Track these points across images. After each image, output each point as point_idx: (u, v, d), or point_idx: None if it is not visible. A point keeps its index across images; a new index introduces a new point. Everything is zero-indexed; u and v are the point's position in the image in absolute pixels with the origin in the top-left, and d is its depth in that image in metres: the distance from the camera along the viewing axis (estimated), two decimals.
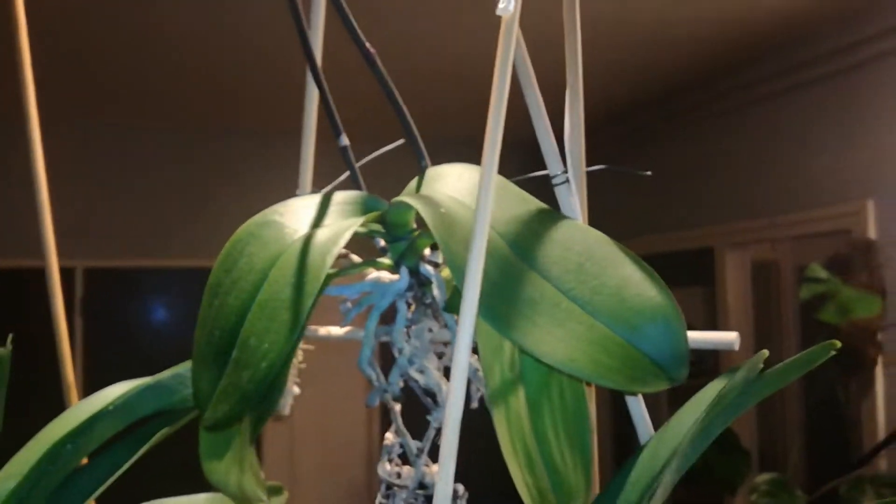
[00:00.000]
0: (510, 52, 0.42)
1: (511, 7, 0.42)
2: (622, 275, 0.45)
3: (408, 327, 0.56)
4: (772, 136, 2.48)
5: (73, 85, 2.72)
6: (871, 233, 2.05)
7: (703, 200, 2.72)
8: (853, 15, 2.08)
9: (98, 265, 3.24)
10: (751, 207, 2.54)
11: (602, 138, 3.13)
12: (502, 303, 0.42)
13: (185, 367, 0.59)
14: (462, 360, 0.40)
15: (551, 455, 0.45)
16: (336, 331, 0.65)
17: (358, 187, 0.55)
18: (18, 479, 0.52)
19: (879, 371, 2.01)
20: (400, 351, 0.52)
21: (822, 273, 1.79)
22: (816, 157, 2.29)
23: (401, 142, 0.59)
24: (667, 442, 0.40)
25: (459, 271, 0.42)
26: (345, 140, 0.54)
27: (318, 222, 0.49)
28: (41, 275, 0.73)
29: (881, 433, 1.96)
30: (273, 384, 0.51)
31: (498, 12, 0.43)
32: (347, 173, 0.60)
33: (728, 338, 0.45)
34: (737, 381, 0.39)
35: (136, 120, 3.15)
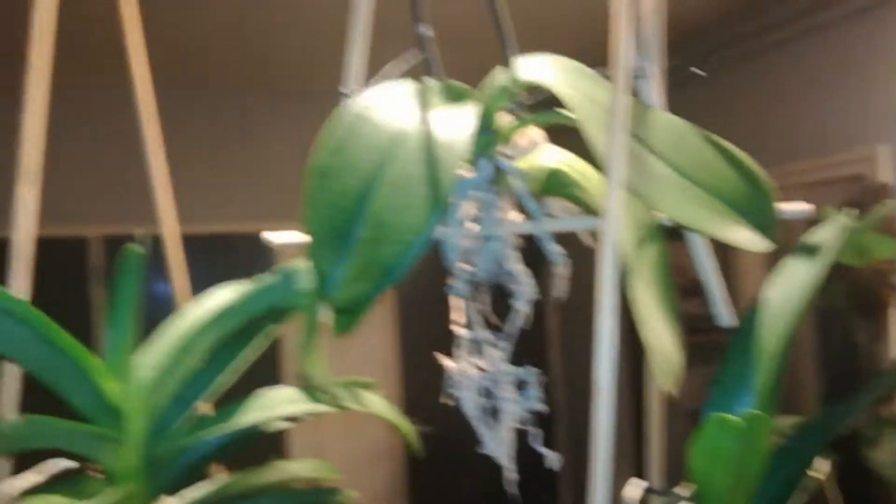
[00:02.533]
0: None
1: None
2: (713, 154, 0.50)
3: (477, 220, 0.58)
4: (781, 82, 2.49)
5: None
6: (884, 177, 2.06)
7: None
8: None
9: (116, 233, 2.92)
10: (761, 154, 2.47)
11: None
12: (635, 177, 0.46)
13: (289, 270, 0.58)
14: (612, 227, 0.43)
15: (655, 316, 0.50)
16: None
17: (438, 75, 0.56)
18: (155, 368, 0.50)
19: (894, 313, 2.04)
20: (491, 238, 0.54)
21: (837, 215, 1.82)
22: (826, 103, 2.30)
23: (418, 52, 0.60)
24: (785, 289, 0.46)
25: (601, 150, 0.45)
26: (425, 29, 0.54)
27: (425, 105, 0.49)
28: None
29: None
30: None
31: None
32: (388, 67, 0.60)
33: (803, 208, 0.52)
34: (838, 235, 0.46)
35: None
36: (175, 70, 2.82)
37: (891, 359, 2.04)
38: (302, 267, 0.60)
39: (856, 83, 2.23)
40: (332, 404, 0.57)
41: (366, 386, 0.65)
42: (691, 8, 2.49)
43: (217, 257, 3.25)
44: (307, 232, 0.47)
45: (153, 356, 0.53)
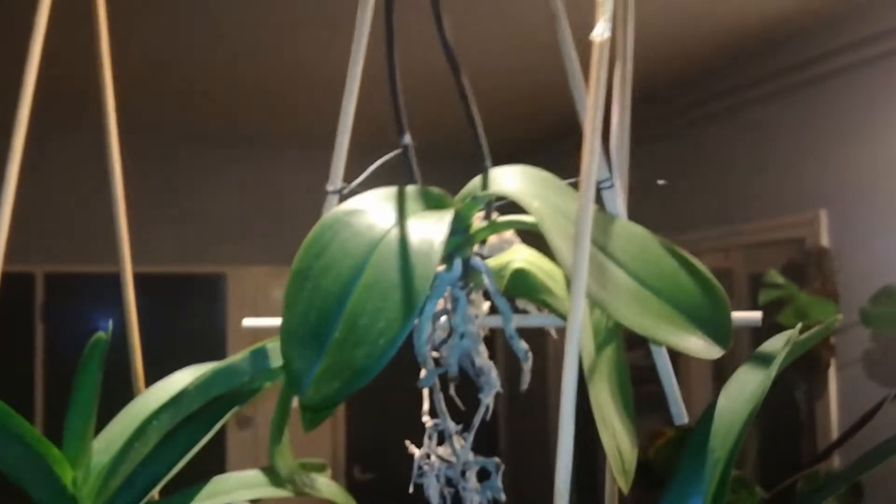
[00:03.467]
0: (603, 73, 0.49)
1: (607, 33, 0.50)
2: (673, 265, 0.54)
3: (448, 314, 0.60)
4: (726, 148, 2.60)
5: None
6: (825, 241, 2.15)
7: (658, 210, 2.77)
8: (806, 33, 2.22)
9: (58, 270, 3.05)
10: (705, 217, 2.57)
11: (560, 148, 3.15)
12: (598, 286, 0.49)
13: (254, 351, 0.59)
14: (574, 333, 0.46)
15: (618, 418, 0.53)
16: None
17: (415, 181, 0.59)
18: (110, 454, 0.51)
19: (833, 373, 2.11)
20: (462, 335, 0.57)
21: (780, 279, 1.86)
22: (770, 168, 2.40)
23: (397, 152, 0.64)
24: (735, 399, 0.49)
25: (566, 260, 0.48)
26: (407, 139, 0.57)
27: (402, 212, 0.52)
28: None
29: (835, 432, 2.09)
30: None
31: (592, 37, 0.50)
32: (370, 170, 0.63)
33: (754, 316, 0.55)
34: (783, 348, 0.49)
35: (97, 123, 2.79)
36: (131, 114, 2.87)
37: (830, 414, 2.11)
38: (265, 349, 0.61)
39: (801, 149, 2.34)
40: (294, 492, 0.58)
41: (319, 469, 0.66)
42: (651, 73, 2.60)
43: (170, 296, 3.26)
44: (283, 329, 0.49)
45: (107, 441, 0.54)
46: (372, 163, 0.58)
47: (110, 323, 0.55)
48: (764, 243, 2.45)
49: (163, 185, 3.22)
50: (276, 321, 0.59)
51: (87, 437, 0.51)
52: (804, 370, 2.06)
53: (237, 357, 0.58)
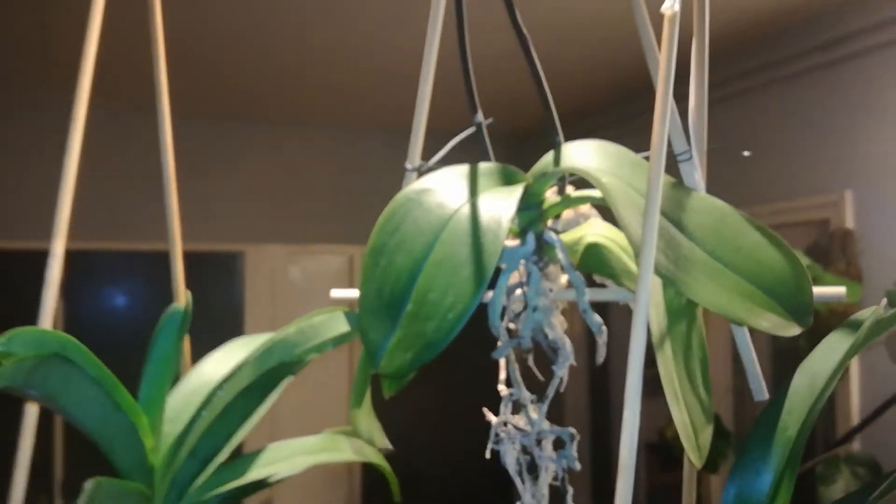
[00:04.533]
0: (674, 47, 0.48)
1: (677, 6, 0.48)
2: (753, 239, 0.52)
3: (522, 287, 0.61)
4: (751, 128, 2.55)
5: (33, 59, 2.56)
6: (849, 222, 2.12)
7: None
8: (833, 12, 2.17)
9: (80, 248, 3.15)
10: (730, 197, 2.60)
11: (587, 127, 3.16)
12: (669, 262, 0.49)
13: (306, 324, 0.62)
14: (642, 308, 0.46)
15: (692, 392, 0.53)
16: None
17: (488, 158, 0.60)
18: (174, 425, 0.55)
19: (855, 360, 2.07)
20: (535, 308, 0.58)
21: (805, 260, 1.84)
22: (795, 149, 2.36)
23: (471, 130, 0.64)
24: (815, 375, 0.48)
25: (634, 234, 0.48)
26: (480, 117, 0.58)
27: (474, 190, 0.53)
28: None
29: (855, 414, 2.06)
30: None
31: (663, 10, 0.49)
32: (447, 148, 0.65)
33: (837, 291, 0.53)
34: (871, 320, 0.47)
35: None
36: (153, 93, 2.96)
37: (850, 396, 2.03)
38: (314, 323, 0.63)
39: (826, 130, 2.27)
40: (361, 457, 0.61)
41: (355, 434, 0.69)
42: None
43: (186, 275, 3.36)
44: (360, 302, 0.52)
45: (173, 412, 0.57)
46: (439, 144, 0.60)
47: (189, 296, 0.59)
48: (788, 224, 2.40)
49: (180, 164, 3.31)
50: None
51: (160, 406, 0.55)
52: None
53: (289, 330, 0.61)
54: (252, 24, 2.34)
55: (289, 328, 0.61)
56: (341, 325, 0.65)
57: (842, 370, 0.46)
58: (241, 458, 0.60)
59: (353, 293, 0.67)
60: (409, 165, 0.65)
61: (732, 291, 0.50)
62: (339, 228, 3.56)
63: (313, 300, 3.53)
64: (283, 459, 0.61)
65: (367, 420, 0.60)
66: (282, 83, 2.96)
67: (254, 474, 0.60)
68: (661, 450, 3.31)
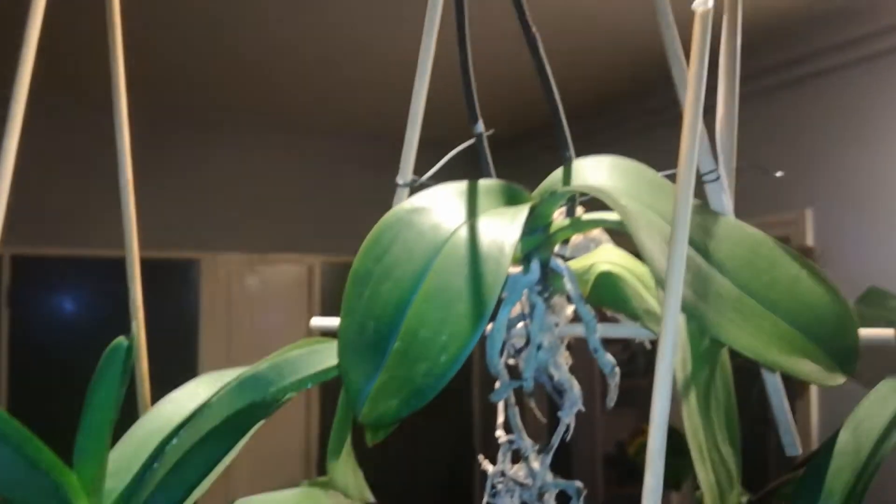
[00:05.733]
0: (706, 47, 0.42)
1: (710, 2, 0.42)
2: (791, 272, 0.46)
3: (525, 321, 0.54)
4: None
5: None
6: (809, 240, 2.16)
7: None
8: (797, 31, 2.19)
9: (24, 253, 3.04)
10: None
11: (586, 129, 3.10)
12: (696, 298, 0.42)
13: (282, 358, 0.55)
14: (668, 351, 0.39)
15: (716, 447, 0.46)
16: None
17: (489, 174, 0.53)
18: (121, 478, 0.48)
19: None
20: (539, 346, 0.51)
21: None
22: (759, 165, 2.37)
23: (471, 142, 0.58)
24: (863, 433, 0.41)
25: (657, 264, 0.41)
26: (480, 127, 0.52)
27: (473, 210, 0.47)
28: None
29: (815, 432, 2.08)
30: None
31: (694, 6, 0.42)
32: (443, 161, 0.58)
33: (886, 334, 0.46)
34: None
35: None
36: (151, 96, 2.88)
37: (810, 415, 2.05)
38: (291, 356, 0.56)
39: (787, 148, 2.30)
40: None
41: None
42: (638, 65, 2.45)
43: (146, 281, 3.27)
44: (340, 338, 0.45)
45: (118, 463, 0.50)
46: (435, 156, 0.53)
47: (134, 326, 0.51)
48: None
49: (137, 168, 3.21)
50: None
51: (102, 461, 0.47)
52: None
53: (261, 365, 0.53)
54: (213, 23, 2.27)
55: (261, 363, 0.54)
56: (323, 359, 0.58)
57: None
58: None
59: (336, 322, 0.60)
60: (400, 181, 0.58)
61: (768, 332, 0.43)
62: (299, 237, 3.48)
63: (271, 310, 3.45)
64: None
65: (347, 471, 0.53)
66: (241, 87, 2.90)
67: None
68: (619, 463, 3.23)
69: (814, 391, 2.10)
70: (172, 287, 3.38)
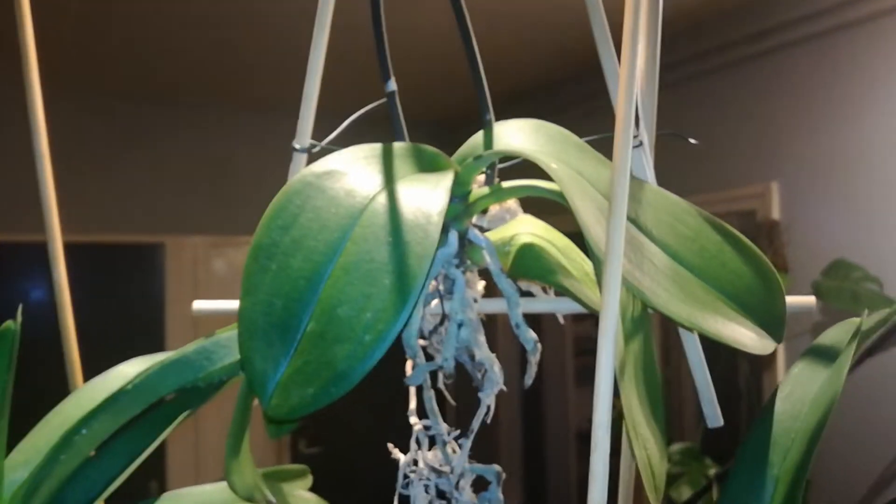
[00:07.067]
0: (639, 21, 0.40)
1: None
2: (714, 239, 0.45)
3: (442, 298, 0.51)
4: (678, 119, 2.53)
5: None
6: (775, 213, 2.14)
7: None
8: (761, 3, 2.18)
9: None
10: (660, 186, 2.55)
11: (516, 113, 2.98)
12: (632, 266, 0.40)
13: (209, 341, 0.49)
14: (610, 324, 0.37)
15: (645, 422, 0.44)
16: None
17: (402, 138, 0.49)
18: (31, 469, 0.40)
19: (781, 345, 2.15)
20: (460, 324, 0.47)
21: None
22: (721, 140, 2.36)
23: (382, 101, 0.54)
24: (797, 404, 0.40)
25: (596, 235, 0.39)
26: (393, 85, 0.47)
27: (390, 175, 0.42)
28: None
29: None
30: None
31: None
32: (347, 122, 0.53)
33: (807, 301, 0.46)
34: (851, 342, 0.41)
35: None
36: (71, 74, 2.66)
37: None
38: (223, 338, 0.51)
39: (752, 122, 2.31)
40: None
41: (297, 475, 0.56)
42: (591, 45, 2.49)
43: (103, 267, 3.07)
44: (242, 320, 0.39)
45: (28, 454, 0.43)
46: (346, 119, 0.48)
47: (20, 309, 0.43)
48: (715, 215, 2.49)
49: (96, 148, 3.00)
50: (235, 304, 0.49)
51: None
52: None
53: (189, 348, 0.47)
54: None
55: (190, 345, 0.47)
56: None
57: (836, 398, 0.39)
58: None
59: (227, 305, 0.54)
60: (296, 145, 0.52)
61: (697, 300, 0.42)
62: None
63: (238, 294, 3.25)
64: None
65: (245, 472, 0.47)
66: (199, 62, 2.68)
67: None
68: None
69: (780, 364, 2.11)
70: (137, 271, 3.17)
